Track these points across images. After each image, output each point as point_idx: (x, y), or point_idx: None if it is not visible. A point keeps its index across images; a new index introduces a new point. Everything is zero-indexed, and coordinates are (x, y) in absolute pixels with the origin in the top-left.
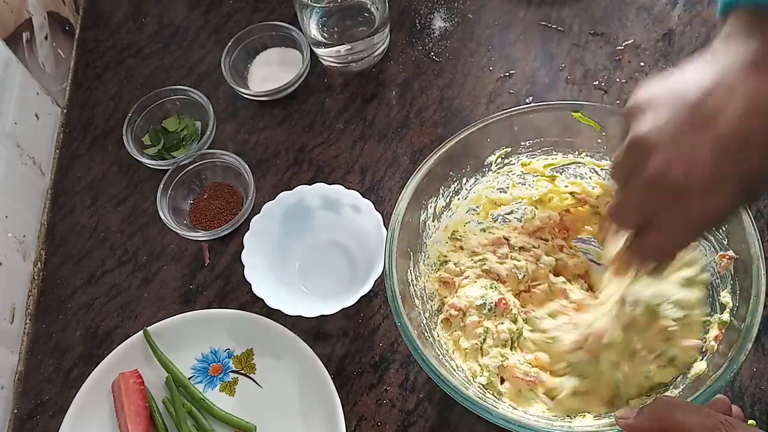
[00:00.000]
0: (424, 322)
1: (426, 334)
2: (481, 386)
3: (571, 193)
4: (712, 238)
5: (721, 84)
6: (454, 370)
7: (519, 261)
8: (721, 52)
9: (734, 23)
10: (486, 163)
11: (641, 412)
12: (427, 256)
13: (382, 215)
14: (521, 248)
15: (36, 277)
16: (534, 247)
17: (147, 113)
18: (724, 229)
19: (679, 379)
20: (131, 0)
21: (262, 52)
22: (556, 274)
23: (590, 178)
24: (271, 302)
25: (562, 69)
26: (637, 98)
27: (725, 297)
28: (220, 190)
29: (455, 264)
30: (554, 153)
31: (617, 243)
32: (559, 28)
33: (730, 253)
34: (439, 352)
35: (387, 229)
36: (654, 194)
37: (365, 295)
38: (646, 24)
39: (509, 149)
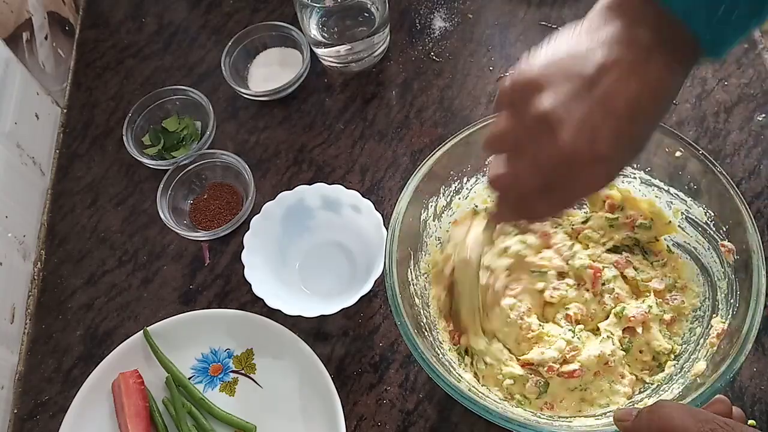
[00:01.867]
0: (424, 322)
1: (426, 334)
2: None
3: None
4: (712, 237)
5: (615, 63)
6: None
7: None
8: (607, 23)
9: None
10: (486, 163)
11: (640, 414)
12: (427, 256)
13: (382, 215)
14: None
15: (36, 277)
16: None
17: (147, 113)
18: (724, 228)
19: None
20: (131, 0)
21: (262, 52)
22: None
23: None
24: (271, 302)
25: None
26: (529, 73)
27: (725, 297)
28: (220, 190)
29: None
30: None
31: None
32: (559, 29)
33: (729, 245)
34: (439, 352)
35: (387, 229)
36: (561, 166)
37: (365, 295)
38: None
39: None
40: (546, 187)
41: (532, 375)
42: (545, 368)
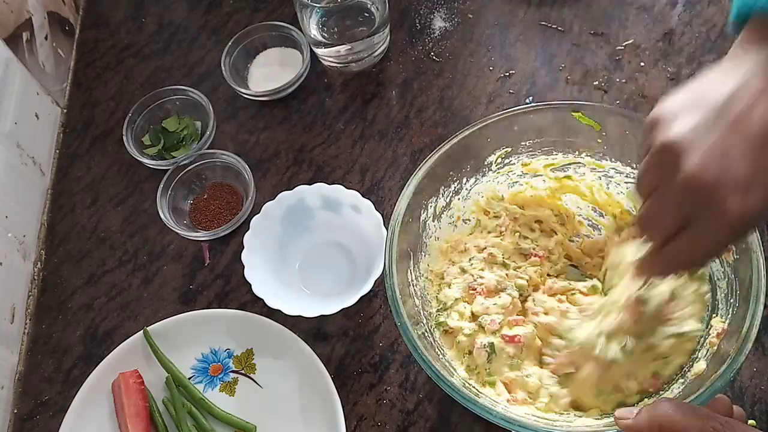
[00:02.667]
0: (424, 322)
1: (426, 334)
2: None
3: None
4: None
5: (746, 86)
6: (454, 370)
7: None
8: (739, 59)
9: (751, 31)
10: (486, 163)
11: (641, 413)
12: (427, 256)
13: (382, 215)
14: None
15: (36, 277)
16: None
17: (147, 113)
18: None
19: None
20: (131, 0)
21: (262, 52)
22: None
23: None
24: (271, 302)
25: (562, 69)
26: (659, 110)
27: (725, 297)
28: (220, 190)
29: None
30: (554, 153)
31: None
32: (559, 28)
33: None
34: (439, 352)
35: (387, 229)
36: (687, 198)
37: (365, 295)
38: (646, 24)
39: (509, 149)
40: (684, 224)
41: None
42: (488, 323)
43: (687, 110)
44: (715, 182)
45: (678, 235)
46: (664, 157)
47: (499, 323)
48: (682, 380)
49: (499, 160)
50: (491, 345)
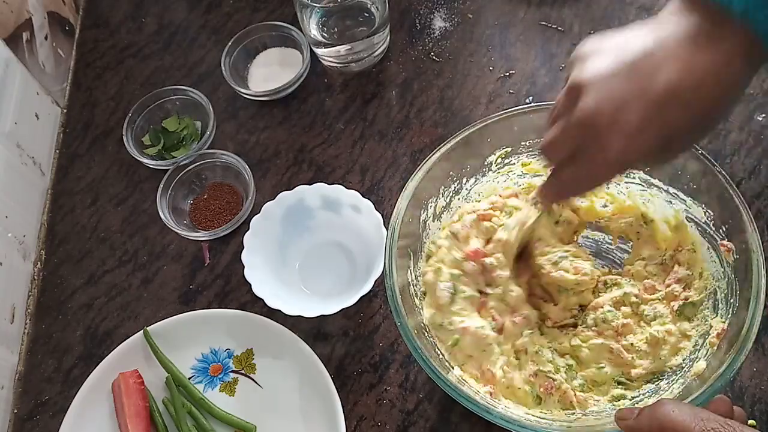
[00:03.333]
0: (424, 322)
1: (426, 334)
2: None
3: None
4: (711, 237)
5: (661, 48)
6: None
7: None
8: (665, 22)
9: (681, 0)
10: (486, 163)
11: (641, 413)
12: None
13: (382, 215)
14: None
15: (36, 277)
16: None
17: (147, 113)
18: (724, 228)
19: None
20: (131, 0)
21: (262, 52)
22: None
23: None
24: (271, 302)
25: (562, 69)
26: (581, 49)
27: (725, 297)
28: (220, 190)
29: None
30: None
31: None
32: (559, 28)
33: (729, 244)
34: (438, 353)
35: (387, 229)
36: (580, 130)
37: (365, 295)
38: None
39: (509, 149)
40: (575, 153)
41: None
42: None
43: (603, 55)
44: (604, 123)
45: (565, 166)
46: (570, 92)
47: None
48: (682, 380)
49: (500, 160)
50: (453, 286)
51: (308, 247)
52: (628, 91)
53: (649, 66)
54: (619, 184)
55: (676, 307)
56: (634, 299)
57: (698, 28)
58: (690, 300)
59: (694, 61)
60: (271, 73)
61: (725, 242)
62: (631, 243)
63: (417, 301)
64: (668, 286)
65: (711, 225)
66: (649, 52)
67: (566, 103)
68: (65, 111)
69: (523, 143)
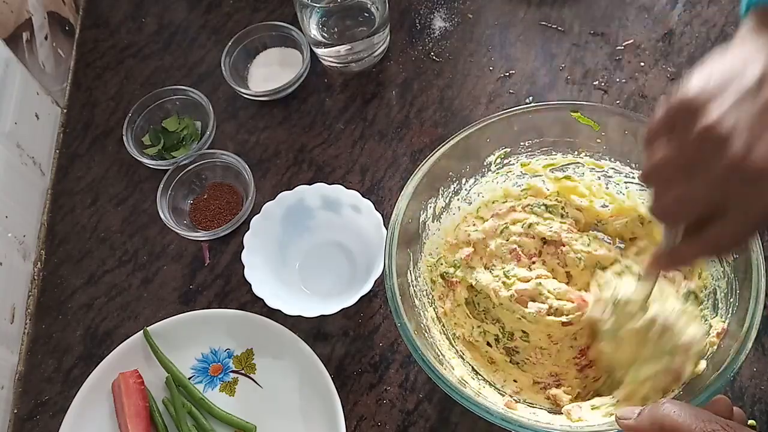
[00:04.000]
0: (424, 322)
1: (426, 335)
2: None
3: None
4: None
5: None
6: (453, 369)
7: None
8: (753, 43)
9: (759, 15)
10: (485, 163)
11: (642, 413)
12: (428, 256)
13: (382, 215)
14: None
15: (36, 277)
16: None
17: (147, 113)
18: None
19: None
20: (131, 0)
21: (262, 52)
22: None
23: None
24: (271, 302)
25: (562, 69)
26: (688, 91)
27: (724, 297)
28: (220, 190)
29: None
30: (554, 153)
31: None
32: (559, 28)
33: None
34: (439, 353)
35: (387, 229)
36: (733, 181)
37: (365, 295)
38: (646, 24)
39: (509, 149)
40: (719, 209)
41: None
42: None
43: (720, 93)
44: (760, 167)
45: (714, 221)
46: (704, 143)
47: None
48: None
49: (499, 160)
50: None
51: (308, 247)
52: (763, 124)
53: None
54: (618, 184)
55: (681, 293)
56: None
57: None
58: (690, 289)
59: None
60: (271, 73)
61: None
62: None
63: (417, 301)
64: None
65: None
66: (765, 73)
67: (702, 154)
68: (65, 111)
69: (522, 143)
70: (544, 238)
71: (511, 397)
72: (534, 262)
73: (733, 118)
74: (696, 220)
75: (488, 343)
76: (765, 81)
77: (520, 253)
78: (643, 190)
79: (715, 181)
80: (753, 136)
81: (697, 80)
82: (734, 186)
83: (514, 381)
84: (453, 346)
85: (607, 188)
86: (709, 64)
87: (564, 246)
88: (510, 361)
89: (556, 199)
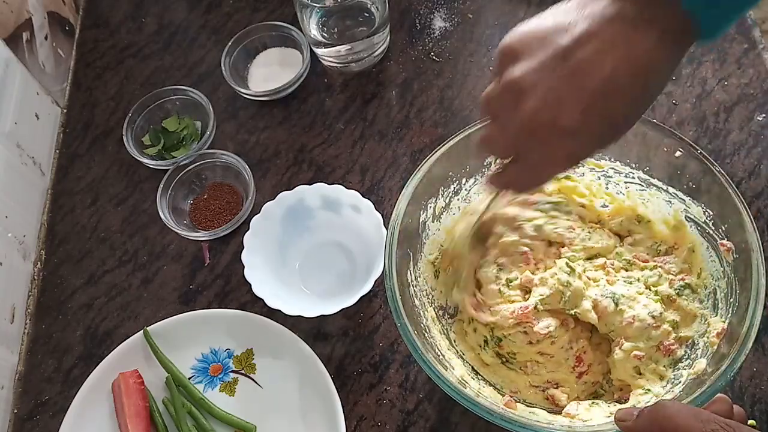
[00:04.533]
0: (424, 322)
1: (426, 335)
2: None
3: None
4: (711, 236)
5: (593, 35)
6: (453, 369)
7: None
8: (593, 3)
9: None
10: (485, 164)
11: (641, 414)
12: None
13: (382, 215)
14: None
15: (36, 277)
16: None
17: (147, 113)
18: (723, 227)
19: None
20: (131, 0)
21: (262, 52)
22: None
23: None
24: (271, 302)
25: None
26: (510, 40)
27: (724, 296)
28: (220, 190)
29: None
30: None
31: None
32: None
33: (729, 244)
34: (439, 353)
35: (387, 229)
36: (522, 135)
37: (365, 295)
38: None
39: None
40: (516, 154)
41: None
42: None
43: (535, 48)
44: (547, 127)
45: (513, 162)
46: (506, 93)
47: None
48: (683, 380)
49: (498, 160)
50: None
51: (308, 247)
52: (566, 90)
53: (583, 59)
54: (618, 184)
55: (676, 286)
56: (628, 260)
57: (628, 10)
58: (687, 282)
59: (629, 47)
60: (271, 73)
61: (725, 242)
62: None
63: (417, 301)
64: (661, 265)
65: (710, 224)
66: (580, 41)
67: (504, 102)
68: (65, 111)
69: None
70: (549, 241)
71: (511, 396)
72: (539, 268)
73: (536, 77)
74: (506, 157)
75: (480, 345)
76: (579, 44)
77: (530, 257)
78: (643, 190)
79: (510, 130)
80: (546, 98)
81: (521, 31)
82: (522, 139)
83: (512, 381)
84: (453, 346)
85: (607, 188)
86: (539, 17)
87: (564, 247)
88: (503, 363)
89: (559, 196)
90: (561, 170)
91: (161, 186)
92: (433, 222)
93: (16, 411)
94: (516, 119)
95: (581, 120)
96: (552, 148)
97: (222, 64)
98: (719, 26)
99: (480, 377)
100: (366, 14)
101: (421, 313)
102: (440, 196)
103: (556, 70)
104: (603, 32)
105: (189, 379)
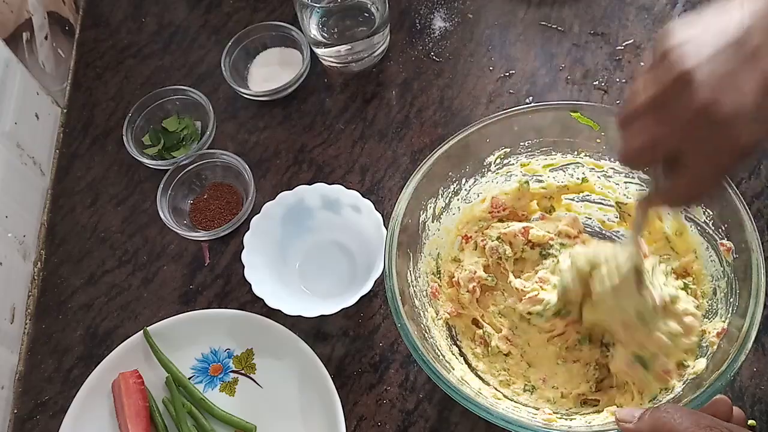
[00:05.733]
0: (424, 322)
1: (426, 335)
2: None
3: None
4: (710, 236)
5: (760, 22)
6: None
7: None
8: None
9: None
10: (485, 164)
11: (643, 417)
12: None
13: (382, 215)
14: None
15: (36, 277)
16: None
17: (147, 113)
18: (723, 227)
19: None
20: (131, 0)
21: (262, 52)
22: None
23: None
24: (271, 302)
25: (562, 69)
26: (672, 37)
27: (724, 296)
28: (220, 190)
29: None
30: (553, 153)
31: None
32: (559, 28)
33: (729, 244)
34: (439, 353)
35: (387, 229)
36: (696, 127)
37: (365, 295)
38: (646, 24)
39: (508, 149)
40: (682, 155)
41: None
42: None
43: (701, 41)
44: (730, 113)
45: (675, 170)
46: (675, 83)
47: None
48: (683, 380)
49: (498, 160)
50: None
51: (308, 247)
52: (743, 74)
53: (755, 45)
54: (618, 185)
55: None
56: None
57: None
58: (687, 283)
59: None
60: (271, 73)
61: (725, 241)
62: None
63: (417, 302)
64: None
65: (710, 224)
66: (749, 29)
67: (672, 97)
68: (65, 111)
69: (522, 143)
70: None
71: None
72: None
73: (708, 64)
74: (665, 168)
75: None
76: (751, 32)
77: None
78: (643, 189)
79: (680, 123)
80: (724, 82)
81: (682, 29)
82: (697, 131)
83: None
84: (455, 344)
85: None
86: (699, 15)
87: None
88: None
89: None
90: (739, 162)
91: (161, 186)
92: (433, 222)
93: (16, 411)
94: (688, 110)
95: (761, 102)
96: (732, 135)
97: (222, 64)
98: None
99: (479, 377)
100: (366, 14)
101: (421, 314)
102: (440, 196)
103: (730, 57)
104: (766, 19)
105: (189, 379)
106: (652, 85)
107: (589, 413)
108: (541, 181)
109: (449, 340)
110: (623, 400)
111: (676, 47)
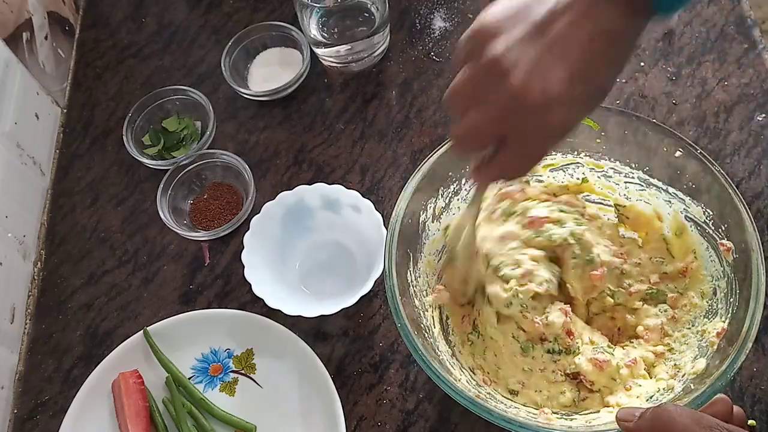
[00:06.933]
0: (425, 322)
1: (426, 335)
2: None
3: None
4: (710, 236)
5: (567, 7)
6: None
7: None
8: None
9: None
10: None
11: (643, 416)
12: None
13: (382, 215)
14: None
15: (36, 277)
16: None
17: (147, 113)
18: (723, 227)
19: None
20: (131, 0)
21: (262, 52)
22: None
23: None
24: (271, 302)
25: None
26: (482, 23)
27: (724, 296)
28: (220, 190)
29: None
30: (553, 153)
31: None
32: None
33: (729, 244)
34: (439, 353)
35: (387, 229)
36: (512, 112)
37: (365, 295)
38: None
39: None
40: (505, 137)
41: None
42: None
43: (512, 25)
44: (536, 99)
45: (501, 149)
46: (487, 74)
47: None
48: (683, 379)
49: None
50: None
51: (308, 247)
52: (550, 60)
53: (561, 30)
54: (618, 185)
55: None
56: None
57: None
58: (658, 289)
59: (598, 19)
60: (271, 73)
61: (725, 242)
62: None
63: (417, 302)
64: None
65: (710, 224)
66: (556, 12)
67: (485, 84)
68: (65, 111)
69: None
70: None
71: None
72: None
73: (517, 52)
74: (487, 146)
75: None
76: (554, 17)
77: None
78: (642, 190)
79: (494, 110)
80: (532, 70)
81: (493, 12)
82: (513, 116)
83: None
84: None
85: (601, 189)
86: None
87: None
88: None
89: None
90: (555, 142)
91: (161, 186)
92: (433, 222)
93: (16, 411)
94: (502, 97)
95: (568, 86)
96: (544, 119)
97: (222, 64)
98: (673, 5)
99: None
100: (366, 14)
101: (421, 313)
102: (440, 196)
103: (536, 43)
104: (574, 3)
105: (189, 379)
106: (470, 72)
107: (589, 413)
108: (541, 181)
109: (448, 340)
110: (616, 399)
111: (486, 29)
